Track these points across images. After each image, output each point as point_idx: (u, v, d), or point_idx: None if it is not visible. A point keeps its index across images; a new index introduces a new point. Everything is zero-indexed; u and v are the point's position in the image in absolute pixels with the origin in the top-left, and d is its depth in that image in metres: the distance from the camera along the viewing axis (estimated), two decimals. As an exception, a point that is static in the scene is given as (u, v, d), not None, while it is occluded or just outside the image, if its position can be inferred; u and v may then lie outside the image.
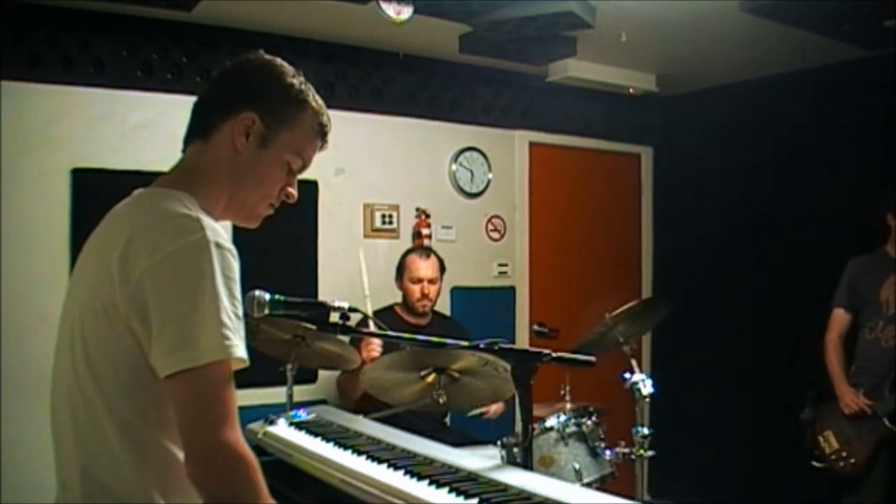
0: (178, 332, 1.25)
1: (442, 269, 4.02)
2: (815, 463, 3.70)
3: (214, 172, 1.46)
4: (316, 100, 1.54)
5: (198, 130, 1.49)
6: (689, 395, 4.90)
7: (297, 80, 1.53)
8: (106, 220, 1.45)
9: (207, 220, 1.34)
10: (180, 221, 1.32)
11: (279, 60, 1.55)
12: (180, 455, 1.30)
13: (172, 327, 1.26)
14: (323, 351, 3.16)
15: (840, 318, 3.79)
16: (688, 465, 4.75)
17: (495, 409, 3.75)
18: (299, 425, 2.78)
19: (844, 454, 3.61)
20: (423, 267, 3.93)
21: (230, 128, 1.45)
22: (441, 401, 2.75)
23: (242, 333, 1.31)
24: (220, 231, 1.34)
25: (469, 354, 2.62)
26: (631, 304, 3.28)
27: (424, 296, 3.90)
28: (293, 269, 4.14)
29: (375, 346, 3.56)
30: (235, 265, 1.34)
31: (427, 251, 4.08)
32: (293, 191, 1.55)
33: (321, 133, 1.55)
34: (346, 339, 3.15)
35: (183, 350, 1.25)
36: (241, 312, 1.32)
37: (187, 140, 1.51)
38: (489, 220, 4.88)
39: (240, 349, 1.29)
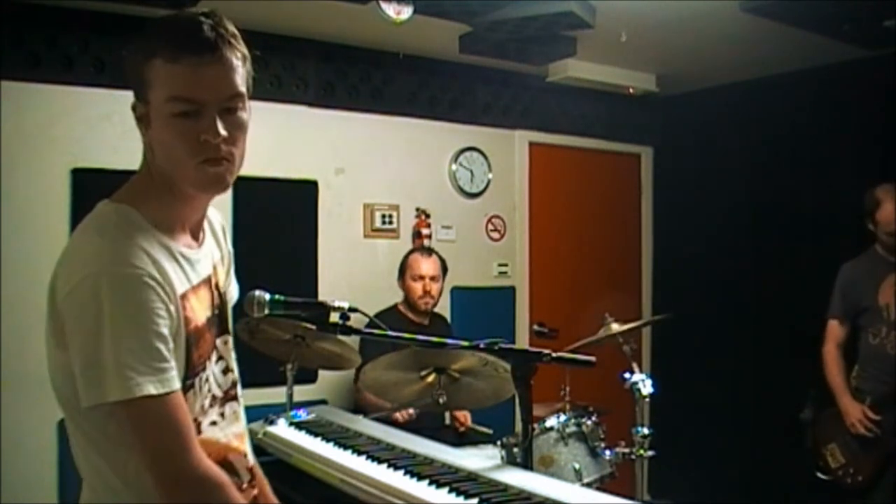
0: (84, 371, 1.24)
1: (444, 268, 4.04)
2: (820, 475, 3.61)
3: (147, 172, 1.41)
4: (152, 30, 1.33)
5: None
6: (689, 395, 4.90)
7: (133, 45, 1.34)
8: None
9: (116, 246, 1.27)
10: (82, 253, 1.29)
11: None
12: None
13: (79, 365, 1.25)
14: (323, 351, 3.16)
15: (836, 329, 3.70)
16: (688, 465, 4.75)
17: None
18: (299, 425, 2.78)
19: (851, 470, 3.51)
20: (426, 265, 3.96)
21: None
22: (441, 401, 2.75)
23: (160, 363, 1.25)
24: (128, 255, 1.26)
25: (469, 354, 2.62)
26: (636, 323, 3.32)
27: (426, 293, 3.92)
28: (293, 269, 4.14)
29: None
30: (145, 291, 1.25)
31: (429, 251, 4.11)
32: (208, 135, 1.31)
33: (175, 51, 1.28)
34: (346, 339, 3.15)
35: (90, 388, 1.24)
36: (152, 340, 1.25)
37: None
38: (489, 220, 4.88)
39: (146, 386, 1.22)
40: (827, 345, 3.71)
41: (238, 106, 1.35)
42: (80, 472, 1.39)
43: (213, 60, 1.30)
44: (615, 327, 3.28)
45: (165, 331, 1.27)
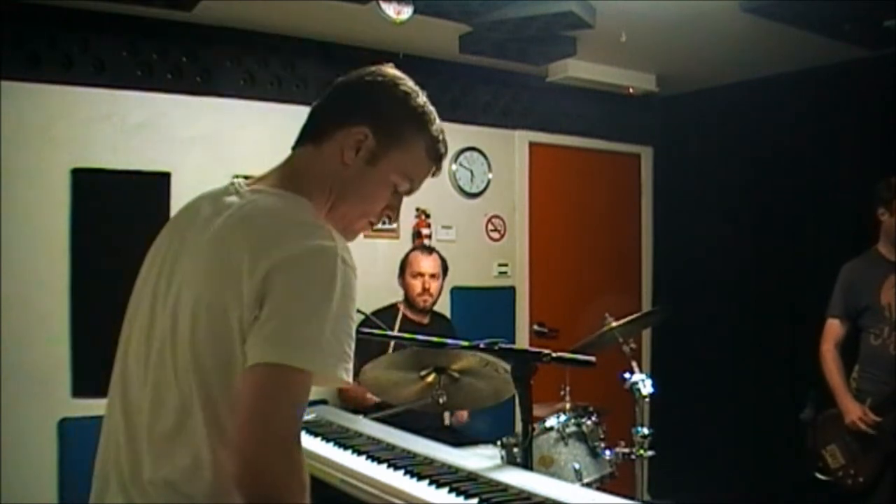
0: (280, 328, 1.19)
1: (444, 267, 4.05)
2: (819, 476, 3.57)
3: (320, 181, 1.41)
4: (436, 123, 1.49)
5: (311, 135, 1.45)
6: (689, 395, 4.90)
7: (421, 101, 1.48)
8: (205, 213, 1.36)
9: (336, 232, 1.30)
10: (312, 227, 1.29)
11: (405, 79, 1.51)
12: None
13: (276, 322, 1.19)
14: (323, 351, 3.15)
15: (835, 328, 3.66)
16: (688, 465, 4.75)
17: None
18: (299, 425, 2.77)
19: (852, 472, 3.47)
20: (426, 262, 3.97)
21: (342, 139, 1.41)
22: (441, 401, 2.75)
23: (350, 354, 1.25)
24: (347, 246, 1.30)
25: (469, 354, 2.62)
26: (634, 315, 3.29)
27: (425, 290, 3.92)
28: (293, 269, 4.13)
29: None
30: (356, 285, 1.28)
31: (430, 249, 4.12)
32: (395, 213, 1.52)
33: (436, 158, 1.51)
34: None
35: (276, 345, 1.18)
36: (352, 332, 1.26)
37: (299, 142, 1.48)
38: (489, 220, 4.88)
39: (333, 368, 1.21)
40: (825, 344, 3.67)
41: None
42: (171, 445, 1.26)
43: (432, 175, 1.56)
44: (614, 323, 3.28)
45: None
